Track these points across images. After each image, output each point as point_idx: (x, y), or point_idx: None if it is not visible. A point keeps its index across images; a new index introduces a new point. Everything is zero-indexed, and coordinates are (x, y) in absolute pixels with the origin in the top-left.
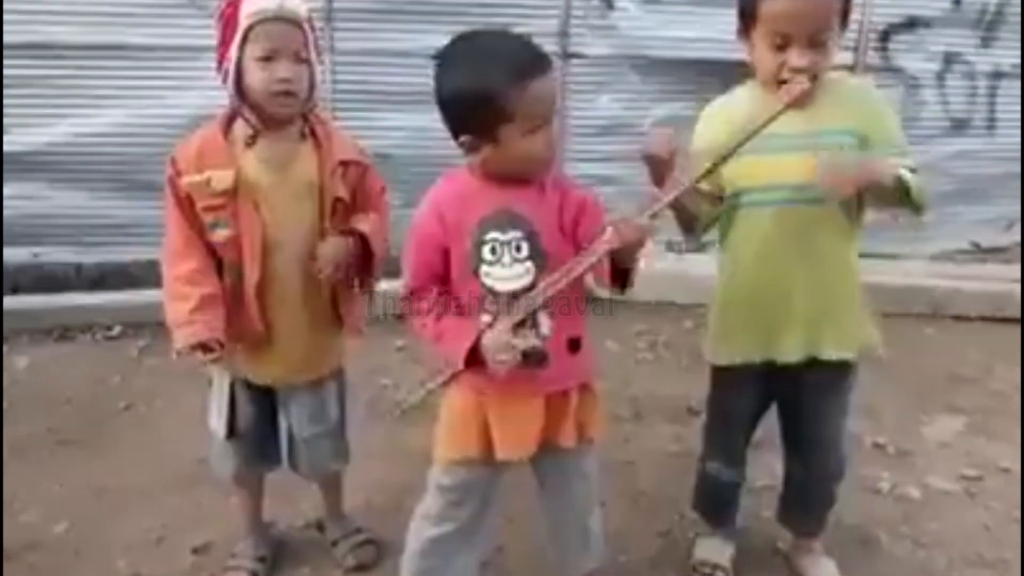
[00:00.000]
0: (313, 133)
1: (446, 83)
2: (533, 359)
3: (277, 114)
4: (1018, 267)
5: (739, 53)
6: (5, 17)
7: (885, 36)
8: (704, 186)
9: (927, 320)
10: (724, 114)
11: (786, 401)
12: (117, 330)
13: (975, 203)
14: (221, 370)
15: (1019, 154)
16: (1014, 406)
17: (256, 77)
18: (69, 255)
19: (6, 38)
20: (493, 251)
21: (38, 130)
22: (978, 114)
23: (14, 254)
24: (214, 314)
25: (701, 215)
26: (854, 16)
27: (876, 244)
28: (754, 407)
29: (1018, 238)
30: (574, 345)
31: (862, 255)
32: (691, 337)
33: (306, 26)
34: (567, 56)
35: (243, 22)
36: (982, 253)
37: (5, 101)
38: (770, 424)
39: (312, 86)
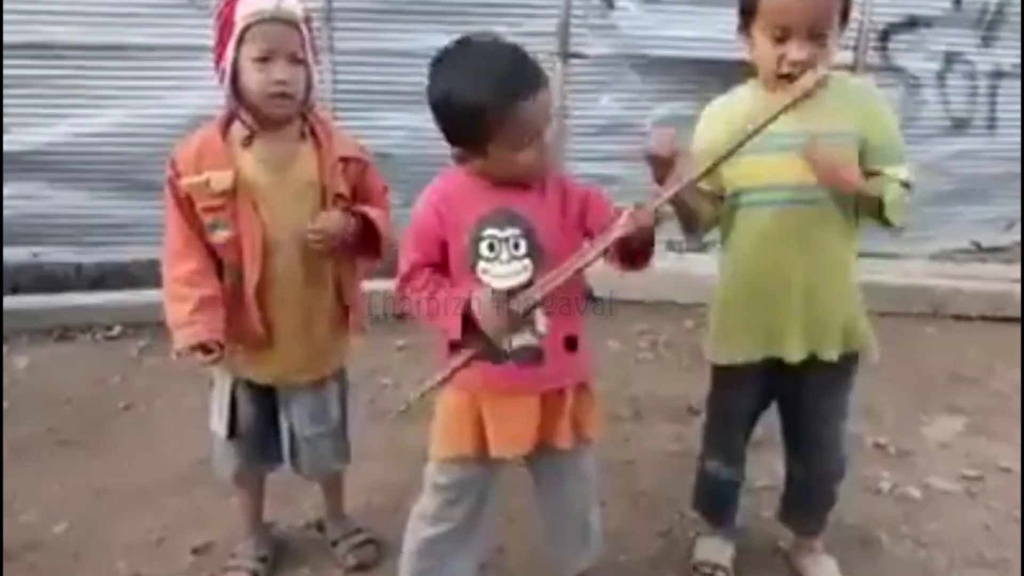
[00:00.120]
0: (313, 133)
1: (438, 96)
2: (528, 356)
3: (273, 115)
4: (1018, 267)
5: (739, 53)
6: (5, 17)
7: (885, 36)
8: (705, 186)
9: (927, 320)
10: (725, 113)
11: (786, 400)
12: (117, 330)
13: (975, 203)
14: (222, 371)
15: (1019, 154)
16: (1014, 406)
17: (252, 78)
18: (69, 255)
19: (6, 38)
20: (491, 248)
21: (38, 130)
22: (978, 114)
23: (14, 254)
24: (214, 315)
25: (702, 215)
26: (854, 15)
27: (876, 244)
28: (754, 406)
29: (1018, 238)
30: (571, 344)
31: (862, 254)
32: (692, 337)
33: (303, 27)
34: (567, 56)
35: (239, 23)
36: (982, 253)
37: (5, 101)
38: (770, 423)
39: (309, 87)
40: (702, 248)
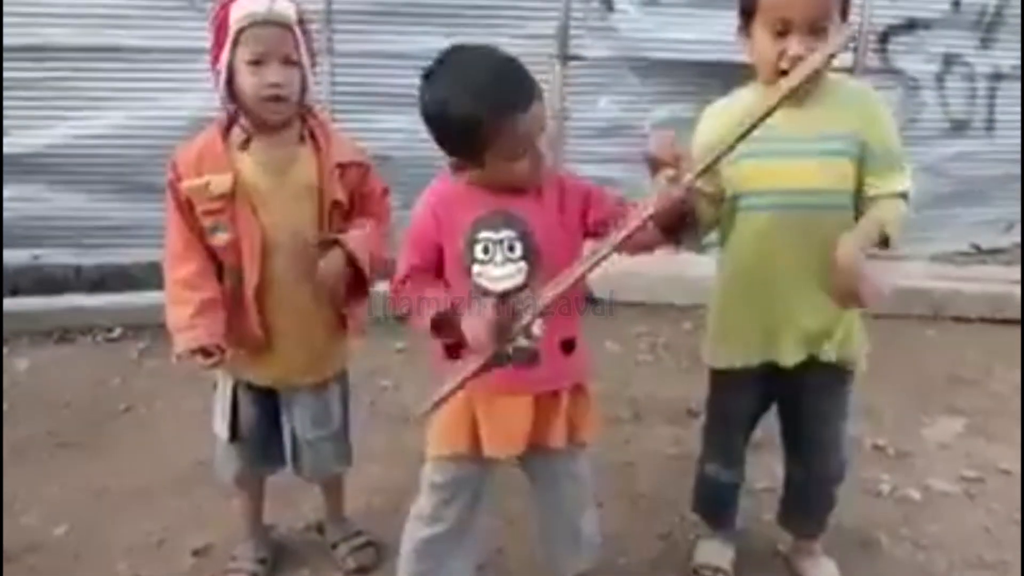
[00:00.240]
0: (313, 136)
1: (432, 108)
2: (523, 358)
3: (269, 119)
4: (1018, 268)
5: (739, 55)
6: (5, 19)
7: (884, 37)
8: (706, 188)
9: (927, 322)
10: (726, 115)
11: (786, 402)
12: (117, 332)
13: (975, 205)
14: (224, 373)
15: (1018, 156)
16: (1014, 407)
17: (247, 81)
18: (69, 257)
19: (6, 40)
20: (485, 250)
21: (38, 132)
22: (977, 115)
23: (14, 256)
24: (214, 318)
25: (701, 216)
26: (853, 18)
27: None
28: (753, 408)
29: (1018, 239)
30: (568, 346)
31: None
32: (691, 339)
33: (296, 29)
34: (566, 58)
35: (233, 26)
36: (982, 255)
37: (5, 103)
38: (770, 425)
39: (304, 89)
40: (701, 250)
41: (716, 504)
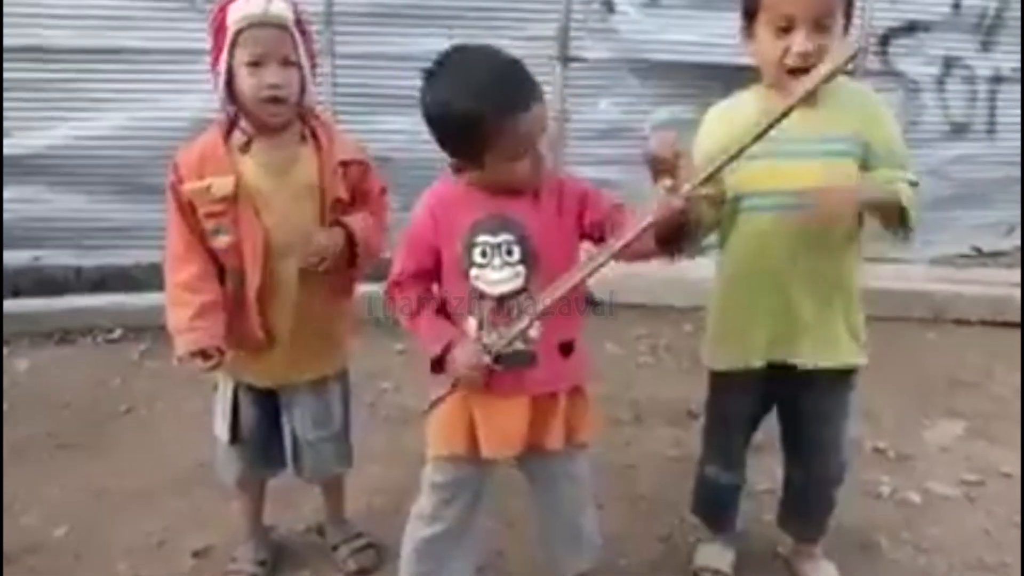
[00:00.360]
0: (314, 135)
1: (434, 108)
2: (520, 361)
3: (269, 121)
4: (1017, 271)
5: (739, 57)
6: (5, 20)
7: (885, 40)
8: (706, 189)
9: (928, 324)
10: (728, 117)
11: (786, 405)
12: (118, 333)
13: (975, 207)
14: (224, 375)
15: (1019, 158)
16: (1014, 410)
17: (245, 83)
18: (69, 258)
19: (6, 41)
20: (483, 254)
21: (38, 133)
22: (978, 118)
23: (14, 257)
24: (215, 320)
25: (703, 218)
26: (854, 20)
27: (877, 248)
28: (753, 411)
29: (1018, 242)
30: (566, 348)
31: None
32: (691, 340)
33: (294, 29)
34: (567, 60)
35: (231, 27)
36: (982, 257)
37: (5, 104)
38: (770, 427)
39: (303, 90)
40: (700, 252)
41: (716, 506)
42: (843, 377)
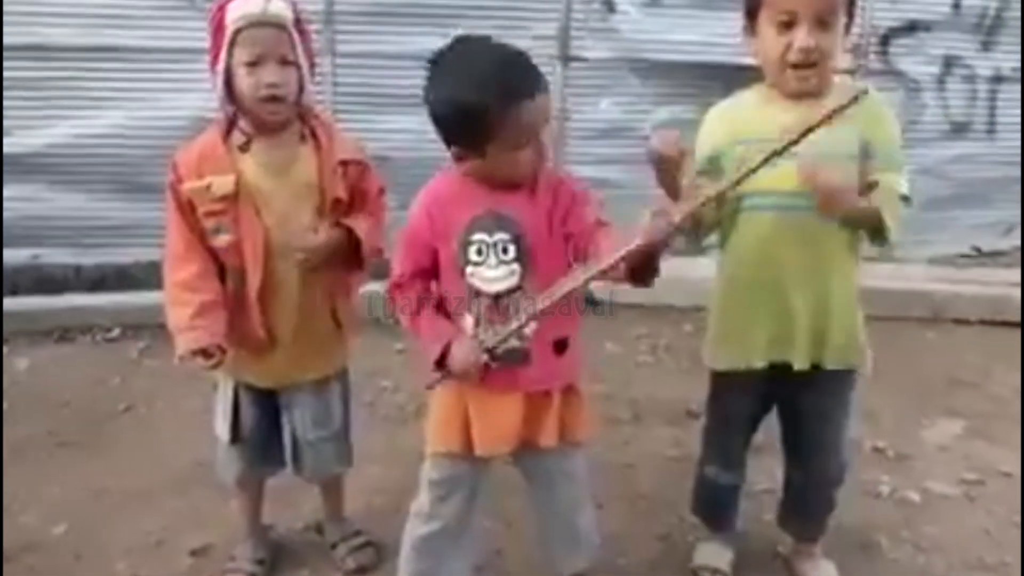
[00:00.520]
0: (314, 135)
1: (436, 96)
2: (514, 358)
3: (268, 120)
4: (1016, 271)
5: (740, 57)
6: (5, 19)
7: (885, 40)
8: (706, 189)
9: (927, 324)
10: (728, 116)
11: (786, 405)
12: (117, 332)
13: (975, 207)
14: (225, 374)
15: (1018, 158)
16: (1013, 410)
17: (244, 82)
18: (68, 257)
19: (5, 40)
20: (479, 252)
21: (38, 132)
22: (978, 118)
23: (14, 256)
24: (215, 320)
25: (703, 218)
26: (856, 19)
27: (875, 249)
28: (754, 411)
29: (1017, 242)
30: (560, 347)
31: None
32: (691, 340)
33: (292, 29)
34: (567, 59)
35: (229, 27)
36: (982, 257)
37: (5, 103)
38: (771, 427)
39: (301, 89)
40: (701, 251)
41: (716, 506)
42: (843, 377)
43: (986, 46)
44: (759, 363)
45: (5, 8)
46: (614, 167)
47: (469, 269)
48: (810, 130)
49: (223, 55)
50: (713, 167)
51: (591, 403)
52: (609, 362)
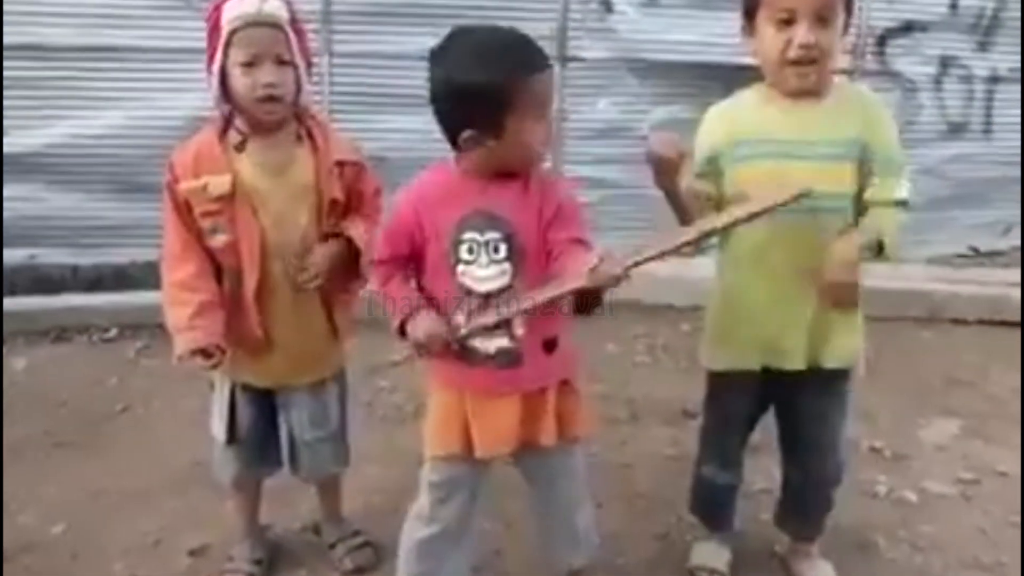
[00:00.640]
0: (310, 135)
1: (449, 79)
2: (507, 359)
3: (264, 120)
4: (1014, 271)
5: (737, 56)
6: (3, 18)
7: (882, 40)
8: (707, 188)
9: (924, 324)
10: (728, 116)
11: (783, 405)
12: (114, 332)
13: (972, 207)
14: (222, 374)
15: (1015, 158)
16: (1011, 410)
17: (240, 83)
18: (66, 257)
19: (4, 39)
20: (470, 251)
21: (35, 132)
22: (975, 118)
23: (11, 256)
24: (214, 319)
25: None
26: (853, 18)
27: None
28: (751, 411)
29: (1014, 242)
30: (549, 345)
31: None
32: (689, 340)
33: (288, 29)
34: (565, 59)
35: (225, 27)
36: (979, 257)
37: (3, 103)
38: (768, 427)
39: (298, 89)
40: (699, 252)
41: (713, 506)
42: (840, 378)
43: (983, 46)
44: (756, 365)
45: (3, 8)
46: (612, 167)
47: (460, 268)
48: (751, 218)
49: (219, 55)
50: (712, 167)
51: (589, 403)
52: (607, 362)
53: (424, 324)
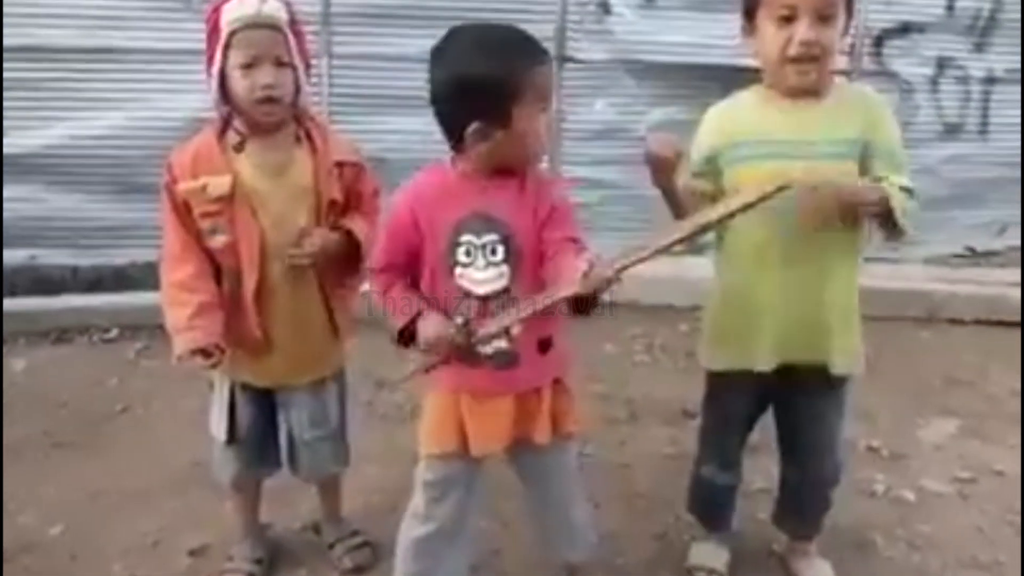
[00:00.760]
0: (309, 137)
1: (456, 71)
2: (503, 360)
3: (263, 121)
4: (1013, 271)
5: (734, 58)
6: (2, 20)
7: (879, 41)
8: (707, 187)
9: (922, 324)
10: (728, 116)
11: (782, 406)
12: (114, 332)
13: (969, 207)
14: (221, 375)
15: (1012, 158)
16: (1008, 409)
17: (239, 84)
18: (66, 257)
19: (4, 41)
20: (468, 253)
21: (35, 132)
22: (971, 119)
23: (11, 256)
24: (213, 319)
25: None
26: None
27: (871, 248)
28: (750, 411)
29: (1010, 242)
30: (544, 346)
31: None
32: (687, 340)
33: (287, 30)
34: (563, 60)
35: (224, 28)
36: (976, 257)
37: (3, 104)
38: (767, 426)
39: (297, 90)
40: (697, 251)
41: (712, 506)
42: (839, 379)
43: (979, 47)
44: (755, 366)
45: (4, 9)
46: (609, 168)
47: (458, 270)
48: (731, 215)
49: (218, 56)
50: (711, 167)
51: (589, 403)
52: (606, 362)
53: (433, 325)
